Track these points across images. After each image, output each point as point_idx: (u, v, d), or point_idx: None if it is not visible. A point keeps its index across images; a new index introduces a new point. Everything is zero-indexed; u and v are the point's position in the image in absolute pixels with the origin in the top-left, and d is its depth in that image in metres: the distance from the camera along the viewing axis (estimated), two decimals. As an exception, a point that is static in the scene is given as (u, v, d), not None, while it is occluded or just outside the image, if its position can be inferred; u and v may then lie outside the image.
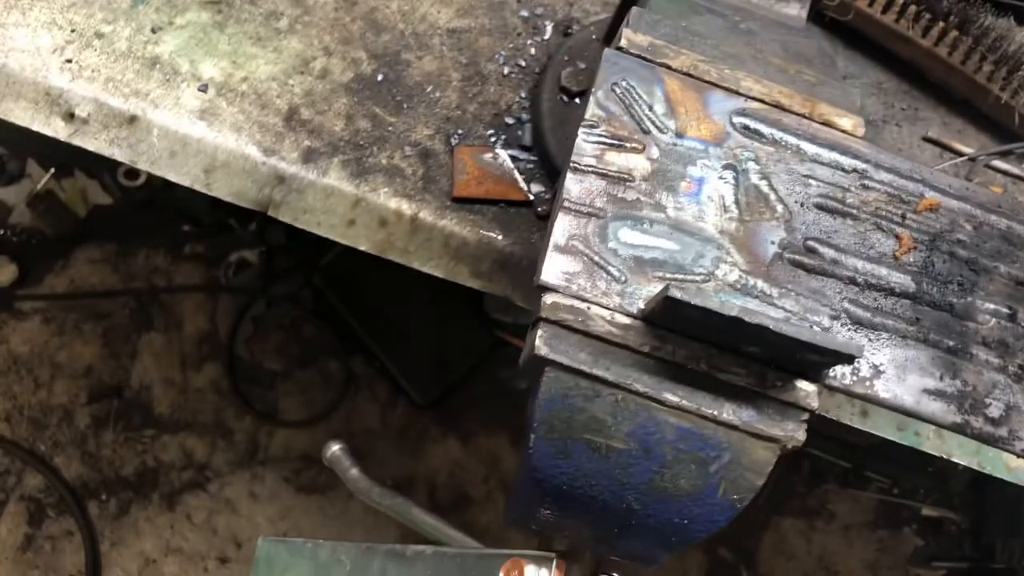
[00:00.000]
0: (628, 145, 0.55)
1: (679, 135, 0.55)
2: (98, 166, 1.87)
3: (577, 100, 0.79)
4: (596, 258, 0.52)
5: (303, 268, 1.89)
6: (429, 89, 0.80)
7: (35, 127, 0.74)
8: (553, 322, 0.50)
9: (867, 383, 0.52)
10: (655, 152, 0.55)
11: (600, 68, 0.56)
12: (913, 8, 0.84)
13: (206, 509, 1.74)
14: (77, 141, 0.74)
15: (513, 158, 0.79)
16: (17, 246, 1.82)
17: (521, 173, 0.78)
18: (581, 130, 0.54)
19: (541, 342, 0.50)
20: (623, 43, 0.57)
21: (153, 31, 0.77)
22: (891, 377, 0.52)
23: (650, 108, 0.56)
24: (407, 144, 0.78)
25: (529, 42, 0.84)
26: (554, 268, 0.51)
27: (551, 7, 0.85)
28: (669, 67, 0.57)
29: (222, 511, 1.74)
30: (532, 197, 0.78)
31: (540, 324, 0.50)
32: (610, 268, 0.52)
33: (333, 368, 1.86)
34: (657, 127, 0.55)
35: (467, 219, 0.77)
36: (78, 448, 1.72)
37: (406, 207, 0.76)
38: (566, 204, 0.53)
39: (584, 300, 0.51)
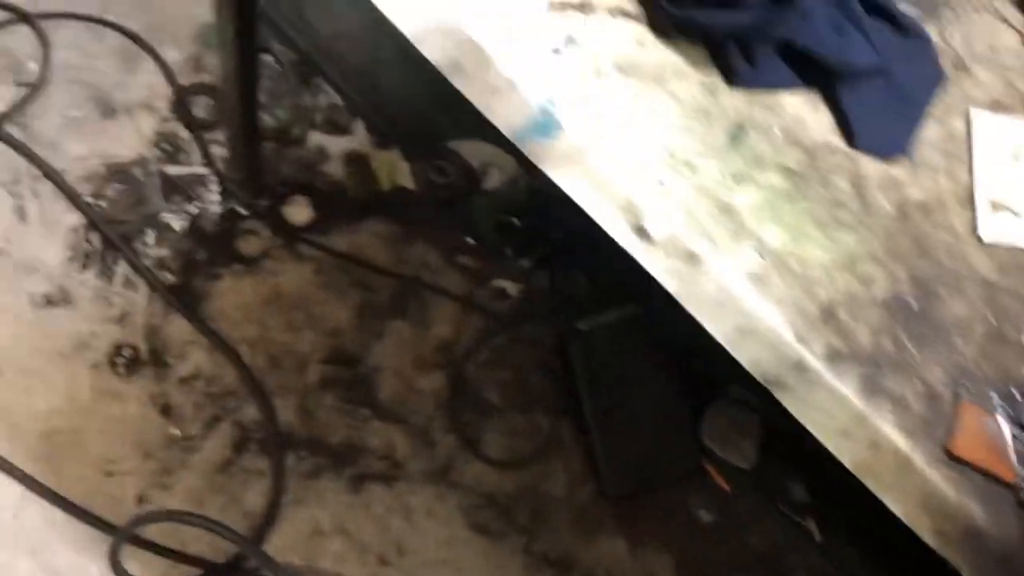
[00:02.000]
0: None
1: None
2: (415, 151, 1.95)
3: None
4: None
5: (557, 321, 1.92)
6: (953, 333, 0.80)
7: (605, 225, 0.76)
8: None
9: None
10: None
11: None
12: None
13: (385, 505, 1.76)
14: (638, 256, 0.76)
15: (1012, 436, 0.78)
16: (320, 194, 1.89)
17: (1014, 452, 0.77)
18: None
19: None
20: None
21: (735, 180, 0.79)
22: None
23: None
24: (919, 379, 0.78)
25: (1050, 321, 0.83)
26: None
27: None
28: None
29: (398, 513, 1.76)
30: (1022, 483, 0.77)
31: None
32: None
33: (542, 423, 1.88)
34: None
35: (952, 478, 0.76)
36: (299, 399, 1.78)
37: (901, 443, 0.76)
38: None
39: None
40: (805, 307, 0.77)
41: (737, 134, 0.81)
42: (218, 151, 1.85)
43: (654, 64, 0.80)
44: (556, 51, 0.77)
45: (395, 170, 1.94)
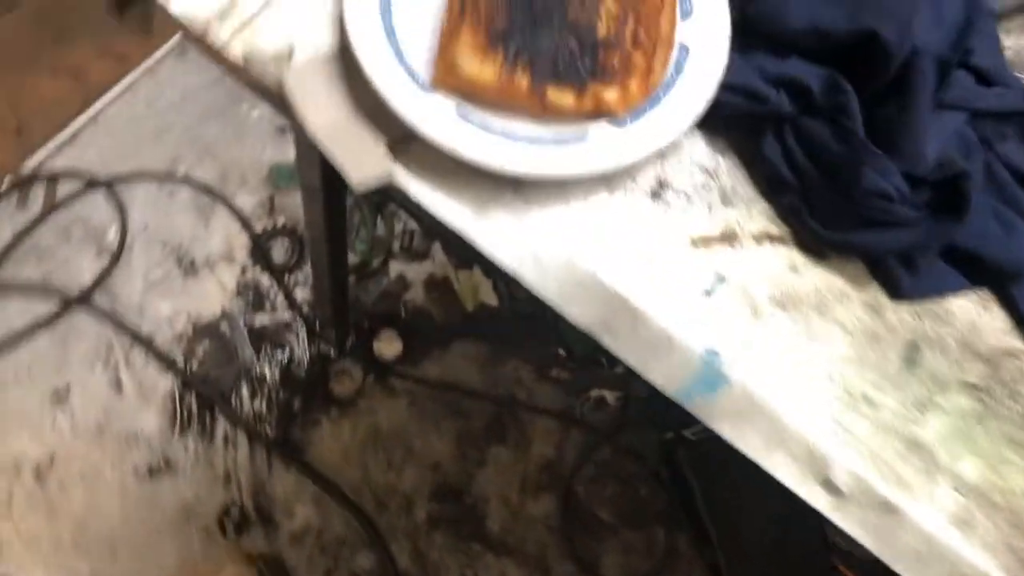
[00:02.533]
0: None
1: None
2: (495, 266, 1.90)
3: None
4: None
5: (660, 428, 1.86)
6: None
7: (789, 484, 0.71)
8: None
9: None
10: None
11: None
12: None
13: (509, 644, 1.72)
14: (828, 512, 0.70)
15: None
16: (406, 323, 1.86)
17: None
18: None
19: None
20: None
21: (918, 408, 0.73)
22: None
23: None
24: None
25: None
26: None
27: None
28: None
29: (523, 651, 1.72)
30: None
31: None
32: None
33: (658, 537, 1.82)
34: None
35: None
36: (410, 540, 1.74)
37: None
38: None
39: None
40: (1016, 545, 0.70)
41: (911, 355, 0.74)
42: (301, 293, 1.84)
43: (811, 290, 0.74)
44: (707, 292, 0.72)
45: (478, 289, 1.91)
